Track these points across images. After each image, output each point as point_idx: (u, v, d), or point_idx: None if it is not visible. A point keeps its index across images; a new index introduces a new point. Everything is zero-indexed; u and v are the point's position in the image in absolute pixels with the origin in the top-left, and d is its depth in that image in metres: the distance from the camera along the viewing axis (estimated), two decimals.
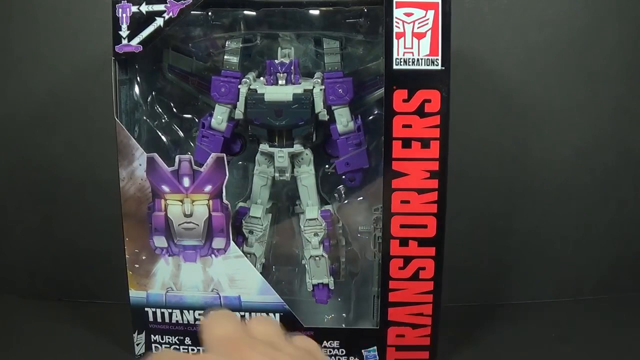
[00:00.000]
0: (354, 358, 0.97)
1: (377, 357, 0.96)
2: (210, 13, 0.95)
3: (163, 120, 1.03)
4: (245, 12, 0.95)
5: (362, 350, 0.96)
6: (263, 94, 0.93)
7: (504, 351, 1.04)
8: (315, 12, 0.95)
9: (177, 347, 0.98)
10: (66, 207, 1.22)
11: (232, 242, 0.94)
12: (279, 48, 0.95)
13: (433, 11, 0.86)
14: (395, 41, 0.87)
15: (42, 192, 1.22)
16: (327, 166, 1.01)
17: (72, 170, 1.21)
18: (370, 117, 0.99)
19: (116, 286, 1.19)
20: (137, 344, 0.99)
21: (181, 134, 1.03)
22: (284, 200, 1.03)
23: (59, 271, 1.24)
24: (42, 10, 1.17)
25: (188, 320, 0.97)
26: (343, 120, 0.95)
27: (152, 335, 0.99)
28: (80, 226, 1.22)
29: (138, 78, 0.99)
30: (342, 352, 0.97)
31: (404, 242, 0.92)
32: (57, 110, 1.19)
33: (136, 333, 0.99)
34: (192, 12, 0.91)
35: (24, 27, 1.17)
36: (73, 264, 1.23)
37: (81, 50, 1.17)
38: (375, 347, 0.96)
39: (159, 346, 0.99)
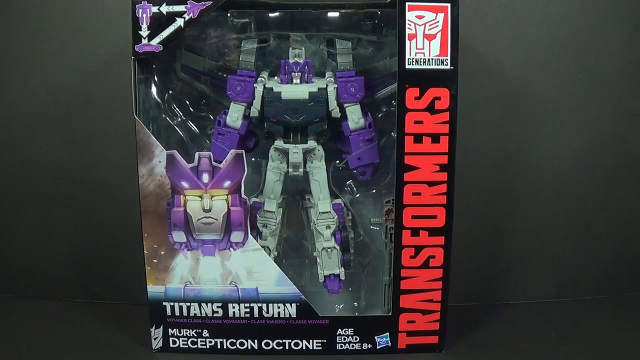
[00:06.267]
0: (367, 344, 1.01)
1: (389, 343, 1.01)
2: (229, 14, 0.98)
3: (179, 119, 1.05)
4: (269, 14, 0.98)
5: (375, 337, 1.01)
6: (280, 92, 0.96)
7: (504, 351, 1.04)
8: (331, 14, 0.99)
9: (195, 339, 1.01)
10: (66, 207, 1.22)
11: (249, 235, 0.97)
12: (290, 48, 0.99)
13: (443, 14, 0.92)
14: (407, 42, 0.92)
15: (42, 192, 1.21)
16: (337, 161, 1.05)
17: (73, 170, 1.20)
18: (379, 115, 1.04)
19: (117, 286, 1.22)
20: (155, 339, 1.01)
21: (196, 130, 1.06)
22: (294, 194, 1.06)
23: (59, 271, 1.23)
24: (42, 10, 1.16)
25: (206, 313, 0.99)
26: (354, 117, 0.99)
27: (170, 329, 1.00)
28: (81, 226, 1.22)
29: (155, 77, 1.01)
30: (355, 339, 1.01)
31: (415, 232, 0.96)
32: (58, 110, 1.18)
33: (154, 327, 1.00)
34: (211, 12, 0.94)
35: (24, 27, 1.16)
36: (73, 263, 1.23)
37: (82, 50, 1.17)
38: (387, 333, 1.00)
39: (176, 340, 1.01)
